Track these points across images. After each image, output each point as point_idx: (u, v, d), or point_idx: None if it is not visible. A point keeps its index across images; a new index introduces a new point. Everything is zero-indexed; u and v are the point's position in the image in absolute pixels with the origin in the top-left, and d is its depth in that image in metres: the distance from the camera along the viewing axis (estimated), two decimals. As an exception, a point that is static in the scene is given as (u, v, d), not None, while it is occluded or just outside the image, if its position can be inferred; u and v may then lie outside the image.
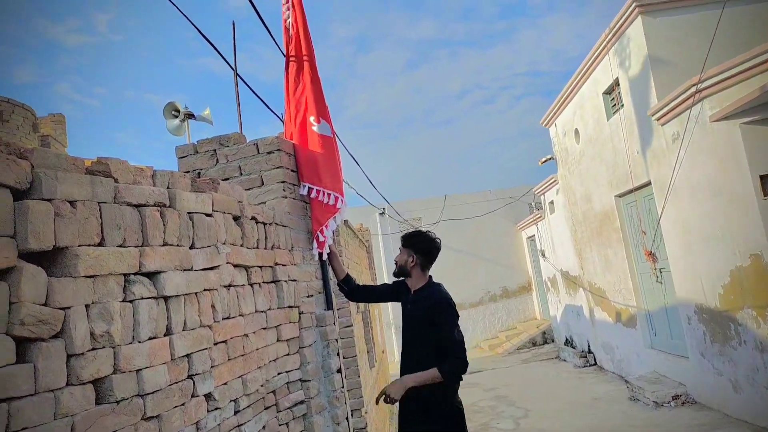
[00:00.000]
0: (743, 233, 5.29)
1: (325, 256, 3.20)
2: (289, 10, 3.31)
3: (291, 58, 3.25)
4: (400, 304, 3.24)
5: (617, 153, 7.97)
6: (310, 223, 3.16)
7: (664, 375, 7.28)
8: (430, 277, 3.11)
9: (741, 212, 5.29)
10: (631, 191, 7.77)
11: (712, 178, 5.65)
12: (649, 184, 7.16)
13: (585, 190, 9.58)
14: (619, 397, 7.55)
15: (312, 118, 3.14)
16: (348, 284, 3.39)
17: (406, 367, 2.93)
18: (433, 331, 2.84)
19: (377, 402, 2.87)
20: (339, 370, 2.96)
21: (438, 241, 3.11)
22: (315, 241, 3.11)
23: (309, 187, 3.07)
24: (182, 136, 7.17)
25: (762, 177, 5.20)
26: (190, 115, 7.15)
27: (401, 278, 3.23)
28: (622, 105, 7.61)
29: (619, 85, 7.69)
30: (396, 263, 3.15)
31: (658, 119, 6.50)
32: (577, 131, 9.66)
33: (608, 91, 8.20)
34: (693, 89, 5.62)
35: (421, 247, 3.05)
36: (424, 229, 3.22)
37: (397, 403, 2.86)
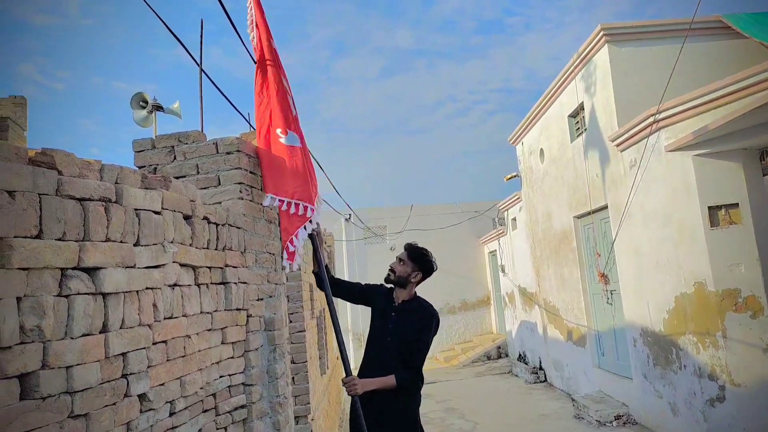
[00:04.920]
0: (689, 261, 5.50)
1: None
2: (251, 8, 3.15)
3: (258, 65, 3.13)
4: (365, 309, 3.34)
5: (578, 175, 8.18)
6: (266, 226, 3.14)
7: (609, 395, 7.47)
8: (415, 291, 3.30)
9: (689, 241, 5.50)
10: (589, 213, 7.99)
11: (663, 206, 5.86)
12: (606, 207, 7.37)
13: (546, 209, 9.79)
14: (565, 414, 7.71)
15: (279, 131, 3.04)
16: (327, 273, 3.37)
17: (374, 371, 3.09)
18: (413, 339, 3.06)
19: (343, 384, 3.05)
20: (284, 376, 2.95)
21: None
22: (285, 251, 3.03)
23: (272, 197, 2.98)
24: (149, 127, 7.05)
25: (710, 208, 5.43)
26: (159, 107, 7.04)
27: (381, 285, 3.39)
28: (586, 129, 7.82)
29: (583, 109, 7.92)
30: (394, 271, 3.24)
31: (618, 145, 6.71)
32: (542, 151, 9.88)
33: (573, 115, 8.42)
34: (651, 119, 5.83)
35: (427, 267, 3.25)
36: (420, 245, 3.33)
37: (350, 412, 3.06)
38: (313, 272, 3.39)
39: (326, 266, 3.37)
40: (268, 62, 3.12)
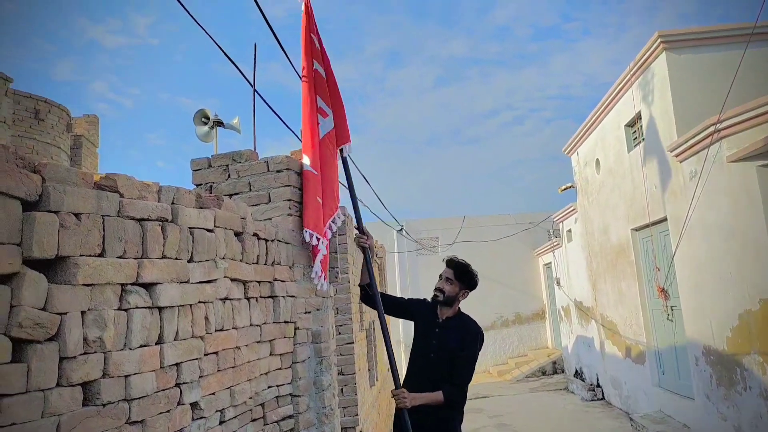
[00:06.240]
0: (754, 277, 5.23)
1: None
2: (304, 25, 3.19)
3: (303, 79, 3.19)
4: (412, 323, 3.35)
5: (636, 186, 7.93)
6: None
7: (670, 415, 7.16)
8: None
9: (753, 255, 5.24)
10: (647, 226, 7.72)
11: (726, 219, 5.60)
12: (665, 219, 7.11)
13: (602, 221, 9.52)
14: (623, 434, 7.44)
15: (305, 156, 3.09)
16: (371, 288, 3.39)
17: (417, 386, 3.10)
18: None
19: (393, 395, 3.09)
20: (331, 387, 3.02)
21: None
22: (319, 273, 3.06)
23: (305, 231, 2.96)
24: (210, 142, 7.39)
25: (777, 221, 5.15)
26: (219, 123, 7.37)
27: (424, 300, 3.41)
28: (643, 138, 7.59)
29: (641, 118, 7.69)
30: (443, 291, 3.21)
31: (677, 156, 6.48)
32: (598, 161, 9.64)
33: (630, 124, 8.19)
34: (712, 128, 5.60)
35: (472, 285, 3.25)
36: (464, 260, 3.32)
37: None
38: (359, 285, 3.43)
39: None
40: (304, 77, 3.19)
